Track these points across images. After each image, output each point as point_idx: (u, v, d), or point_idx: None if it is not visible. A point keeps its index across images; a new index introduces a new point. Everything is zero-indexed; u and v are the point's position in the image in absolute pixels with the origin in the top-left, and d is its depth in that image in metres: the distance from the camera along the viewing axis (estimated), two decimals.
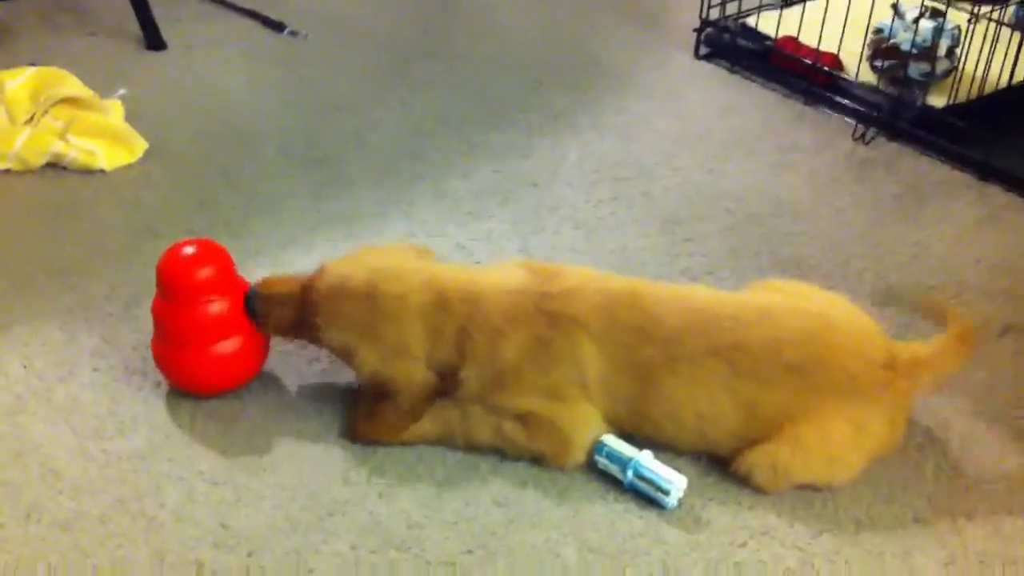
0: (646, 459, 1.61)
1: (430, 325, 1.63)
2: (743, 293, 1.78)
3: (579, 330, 1.62)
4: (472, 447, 1.67)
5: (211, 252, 1.69)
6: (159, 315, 1.69)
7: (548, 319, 1.63)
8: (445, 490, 1.61)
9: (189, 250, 1.68)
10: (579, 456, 1.65)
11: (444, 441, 1.68)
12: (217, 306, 1.67)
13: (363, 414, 1.67)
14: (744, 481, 1.62)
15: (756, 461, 1.60)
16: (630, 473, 1.60)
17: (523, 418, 1.64)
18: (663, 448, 1.65)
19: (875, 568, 1.53)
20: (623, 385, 1.63)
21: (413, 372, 1.64)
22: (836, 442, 1.60)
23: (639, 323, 1.63)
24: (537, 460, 1.65)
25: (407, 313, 1.63)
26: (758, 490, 1.61)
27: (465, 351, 1.63)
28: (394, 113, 2.57)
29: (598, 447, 1.64)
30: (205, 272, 1.67)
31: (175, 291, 1.67)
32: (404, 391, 1.64)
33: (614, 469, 1.62)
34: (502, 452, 1.66)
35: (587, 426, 1.64)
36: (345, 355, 1.66)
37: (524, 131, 2.52)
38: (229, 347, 1.69)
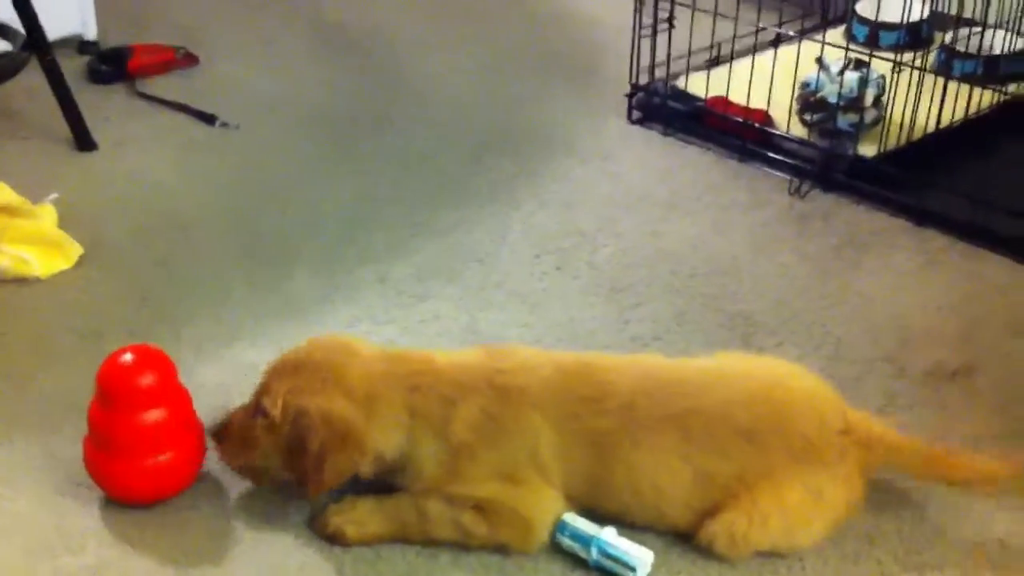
0: (610, 536, 1.58)
1: (374, 376, 1.63)
2: (695, 360, 1.77)
3: (528, 403, 1.61)
4: (430, 542, 1.63)
5: (152, 360, 1.67)
6: (96, 422, 1.66)
7: (498, 393, 1.62)
8: None
9: (129, 357, 1.65)
10: (542, 539, 1.62)
11: (399, 539, 1.64)
12: (155, 415, 1.64)
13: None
14: (707, 552, 1.60)
15: (715, 531, 1.59)
16: (595, 552, 1.58)
17: (481, 508, 1.61)
18: (626, 523, 1.63)
19: None
20: (579, 457, 1.62)
21: (333, 405, 1.59)
22: (794, 509, 1.58)
23: (592, 393, 1.62)
24: (500, 548, 1.62)
25: (347, 354, 1.65)
26: (721, 559, 1.60)
27: (416, 411, 1.61)
28: (333, 196, 2.56)
29: (560, 526, 1.61)
30: (146, 380, 1.64)
31: (114, 399, 1.64)
32: (319, 428, 1.58)
33: (578, 548, 1.60)
34: (462, 544, 1.63)
35: (547, 508, 1.62)
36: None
37: (466, 206, 2.52)
38: (165, 458, 1.66)
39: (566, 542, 1.61)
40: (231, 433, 1.68)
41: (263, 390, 1.65)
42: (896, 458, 1.67)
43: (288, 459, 1.63)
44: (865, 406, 1.87)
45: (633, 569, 1.56)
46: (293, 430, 1.60)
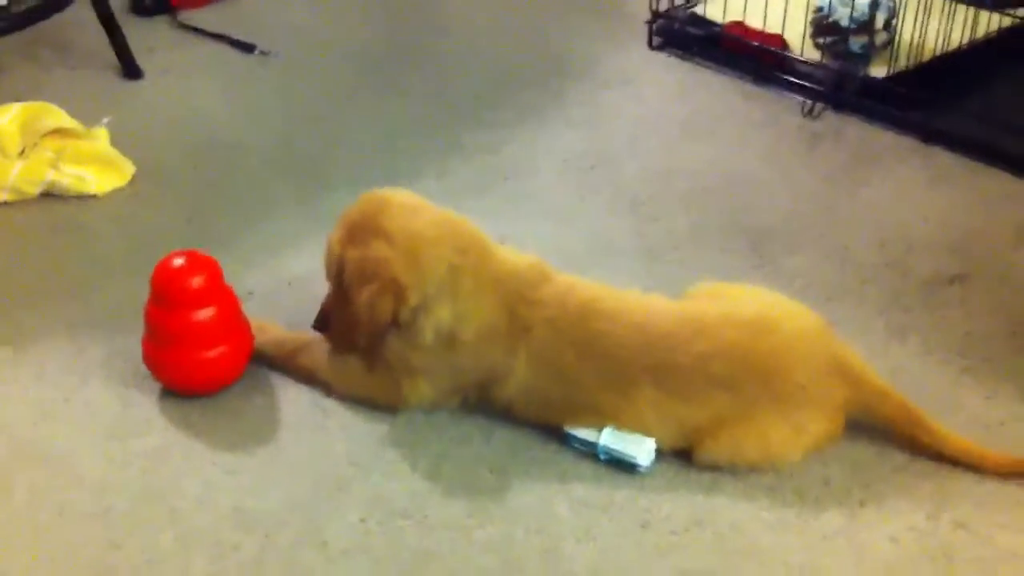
0: (608, 440, 1.71)
1: (421, 233, 1.72)
2: (684, 302, 1.83)
3: (523, 342, 1.73)
4: (300, 373, 1.87)
5: (201, 263, 1.83)
6: (153, 320, 1.83)
7: (509, 317, 1.73)
8: (442, 462, 1.74)
9: (181, 260, 1.82)
10: (403, 409, 1.82)
11: (271, 361, 1.90)
12: (206, 313, 1.81)
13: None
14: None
15: (696, 452, 1.71)
16: (602, 455, 1.73)
17: (373, 364, 1.79)
18: None
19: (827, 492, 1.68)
20: (551, 390, 1.74)
21: (369, 250, 1.71)
22: (774, 441, 1.68)
23: (583, 337, 1.72)
24: (360, 397, 1.84)
25: (395, 208, 1.75)
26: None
27: (453, 278, 1.71)
28: (368, 119, 2.70)
29: (568, 437, 1.75)
30: (196, 281, 1.81)
31: (167, 298, 1.80)
32: (356, 269, 1.71)
33: (588, 451, 1.74)
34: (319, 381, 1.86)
35: (421, 394, 1.80)
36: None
37: (494, 128, 2.65)
38: (217, 352, 1.83)
39: (577, 447, 1.75)
40: (328, 319, 1.81)
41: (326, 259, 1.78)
42: (880, 404, 1.72)
43: (341, 313, 1.74)
44: (870, 308, 2.04)
45: (635, 465, 1.71)
46: (339, 281, 1.74)
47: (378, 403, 1.82)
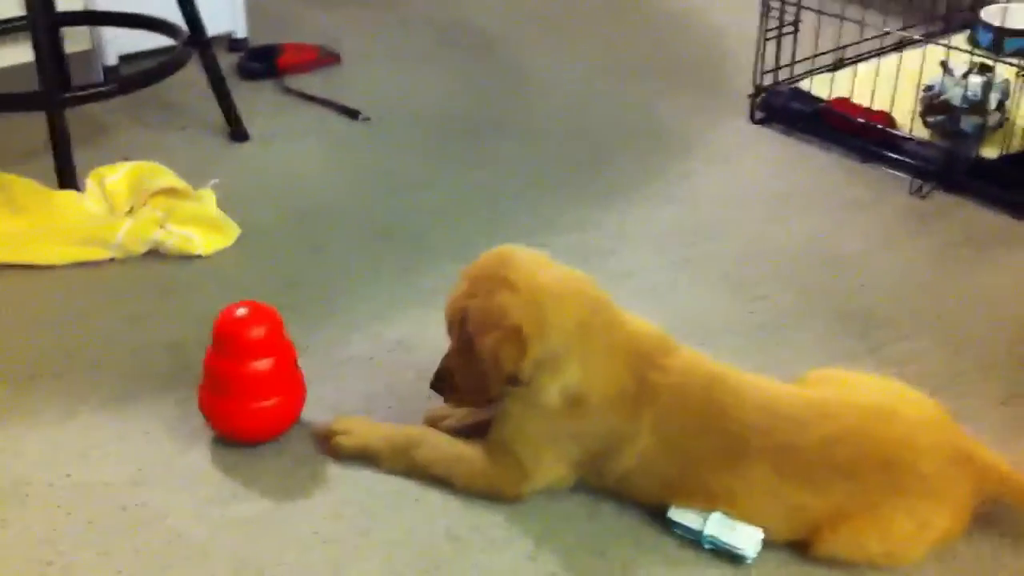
0: (714, 528, 1.66)
1: (548, 287, 1.70)
2: (803, 386, 1.78)
3: (648, 409, 1.68)
4: (415, 470, 1.80)
5: (263, 314, 1.85)
6: (211, 368, 1.85)
7: (636, 382, 1.69)
8: (543, 541, 1.70)
9: (243, 311, 1.84)
10: (529, 494, 1.75)
11: (385, 461, 1.81)
12: (264, 364, 1.83)
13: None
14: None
15: (815, 548, 1.64)
16: (706, 545, 1.67)
17: (493, 452, 1.75)
18: None
19: None
20: (669, 462, 1.69)
21: (492, 299, 1.67)
22: (896, 537, 1.61)
23: (708, 410, 1.68)
24: (482, 491, 1.76)
25: (521, 262, 1.73)
26: None
27: (582, 345, 1.67)
28: (467, 189, 2.70)
29: (671, 523, 1.70)
30: (256, 332, 1.82)
31: (228, 348, 1.83)
32: (478, 319, 1.67)
33: (691, 539, 1.69)
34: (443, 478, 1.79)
35: (547, 472, 1.74)
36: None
37: (592, 202, 2.63)
38: (271, 403, 1.85)
39: (679, 534, 1.70)
40: (447, 378, 1.77)
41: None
42: (1010, 492, 1.67)
43: (466, 366, 1.70)
44: (989, 398, 1.97)
45: (744, 556, 1.65)
46: (462, 333, 1.70)
47: (501, 494, 1.76)
